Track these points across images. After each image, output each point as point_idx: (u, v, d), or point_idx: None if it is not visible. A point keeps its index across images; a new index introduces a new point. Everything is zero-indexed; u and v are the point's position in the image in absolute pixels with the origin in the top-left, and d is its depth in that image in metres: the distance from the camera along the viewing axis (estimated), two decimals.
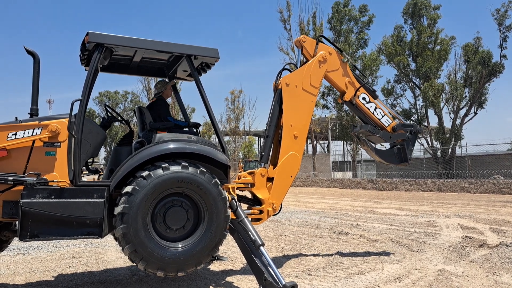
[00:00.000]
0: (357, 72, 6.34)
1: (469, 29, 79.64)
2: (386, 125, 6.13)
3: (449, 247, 6.61)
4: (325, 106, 34.37)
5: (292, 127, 5.44)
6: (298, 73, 5.62)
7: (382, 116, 6.11)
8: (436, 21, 29.63)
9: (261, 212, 5.20)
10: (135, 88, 72.03)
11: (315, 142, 38.76)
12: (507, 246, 6.48)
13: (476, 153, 28.51)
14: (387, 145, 6.44)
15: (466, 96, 29.42)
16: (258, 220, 5.20)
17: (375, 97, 6.12)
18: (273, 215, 5.35)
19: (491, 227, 8.60)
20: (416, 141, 6.57)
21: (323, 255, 6.30)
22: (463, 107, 29.80)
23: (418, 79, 30.52)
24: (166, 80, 5.45)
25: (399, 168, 26.28)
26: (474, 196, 18.59)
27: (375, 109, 6.08)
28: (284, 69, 5.80)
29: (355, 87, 5.97)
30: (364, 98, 6.03)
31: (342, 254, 6.31)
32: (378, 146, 6.42)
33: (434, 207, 13.29)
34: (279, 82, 5.56)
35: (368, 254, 6.32)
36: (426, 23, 29.92)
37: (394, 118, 6.34)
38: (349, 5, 32.92)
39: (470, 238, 7.23)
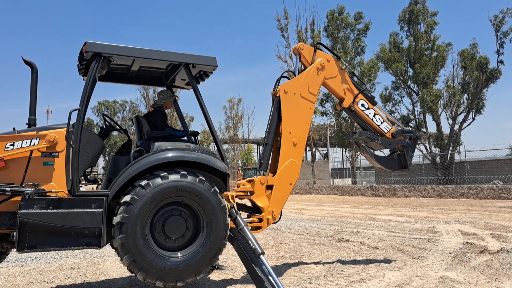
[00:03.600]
0: (355, 78, 6.34)
1: (465, 36, 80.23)
2: (386, 131, 6.12)
3: (450, 253, 6.57)
4: (324, 113, 34.43)
5: (291, 134, 5.43)
6: (296, 81, 5.62)
7: (381, 123, 6.10)
8: (433, 27, 29.81)
9: (260, 220, 5.17)
10: (134, 97, 72.44)
11: (314, 149, 38.75)
12: (508, 252, 6.45)
13: (475, 158, 28.52)
14: (386, 152, 6.42)
15: (464, 102, 29.54)
16: (258, 228, 5.17)
17: (374, 103, 6.11)
18: (273, 223, 5.32)
19: (492, 232, 8.57)
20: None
21: (323, 263, 6.25)
22: (461, 113, 29.91)
23: (415, 86, 30.63)
24: (170, 93, 5.39)
25: (398, 174, 26.27)
26: (473, 201, 18.56)
27: (374, 116, 6.07)
28: (282, 76, 5.81)
29: (354, 94, 5.97)
30: (363, 105, 6.03)
31: (343, 262, 6.27)
32: (378, 153, 6.41)
33: (434, 213, 13.26)
34: (278, 89, 5.56)
35: (368, 261, 6.28)
36: (423, 29, 30.10)
37: (393, 124, 6.32)
38: (344, 13, 33.09)
39: (471, 244, 7.20)
